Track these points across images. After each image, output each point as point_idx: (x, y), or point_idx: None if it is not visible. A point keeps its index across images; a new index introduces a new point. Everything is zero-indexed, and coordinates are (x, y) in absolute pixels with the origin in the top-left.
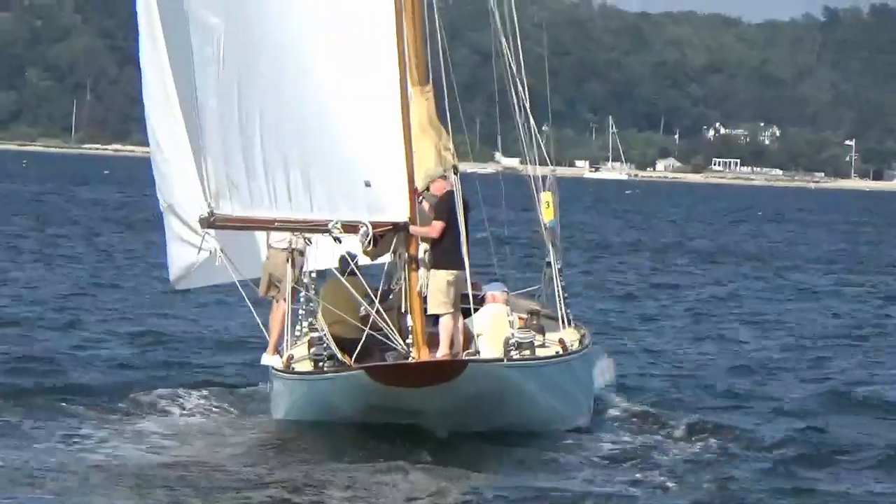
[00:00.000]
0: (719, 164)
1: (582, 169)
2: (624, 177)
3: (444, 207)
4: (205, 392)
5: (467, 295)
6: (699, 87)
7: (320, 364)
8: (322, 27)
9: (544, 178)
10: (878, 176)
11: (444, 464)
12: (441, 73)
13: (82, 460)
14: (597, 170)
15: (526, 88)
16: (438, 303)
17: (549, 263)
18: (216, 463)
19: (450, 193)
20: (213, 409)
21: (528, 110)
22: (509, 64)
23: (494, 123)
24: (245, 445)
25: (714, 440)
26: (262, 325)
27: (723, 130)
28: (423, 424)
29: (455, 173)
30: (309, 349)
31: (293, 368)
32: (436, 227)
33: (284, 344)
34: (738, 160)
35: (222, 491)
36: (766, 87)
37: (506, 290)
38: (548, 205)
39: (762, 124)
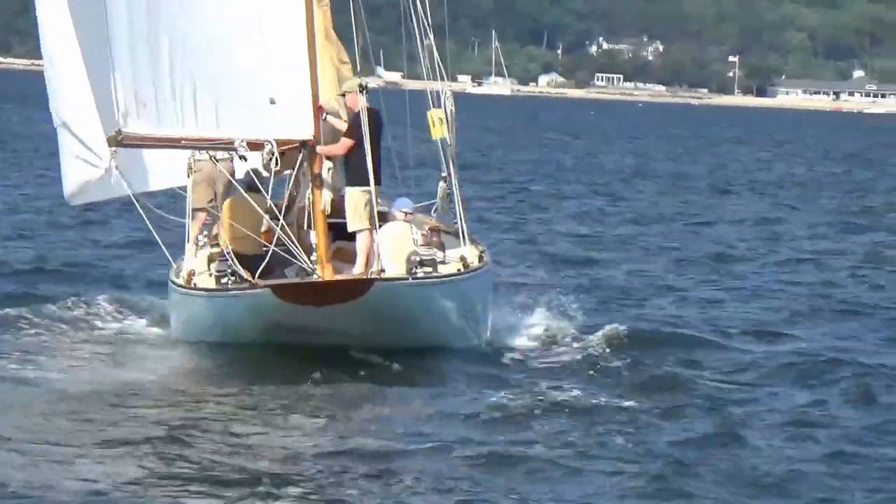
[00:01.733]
0: (602, 80)
1: (465, 84)
2: (507, 91)
3: (356, 124)
4: (102, 308)
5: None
6: (582, 1)
7: (223, 280)
8: None
9: (438, 92)
10: (761, 92)
11: (344, 385)
12: None
13: None
14: (479, 84)
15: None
16: (355, 219)
17: (444, 178)
18: (109, 385)
19: (364, 111)
20: (109, 327)
21: (429, 23)
22: None
23: (373, 37)
24: (145, 367)
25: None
26: (159, 241)
27: (606, 45)
28: (326, 343)
29: (362, 92)
30: (209, 264)
31: (194, 284)
32: (343, 144)
33: (184, 258)
34: (622, 76)
35: (113, 420)
36: (649, 3)
37: (412, 206)
38: (433, 122)
39: (646, 39)
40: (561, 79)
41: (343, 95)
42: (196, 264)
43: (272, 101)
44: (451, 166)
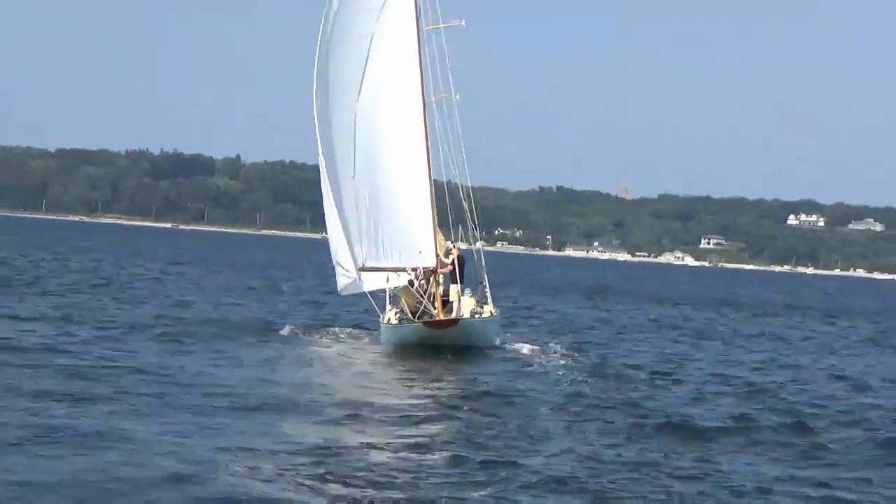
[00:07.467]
0: None
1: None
2: None
3: (454, 260)
4: (345, 333)
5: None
6: None
7: (403, 321)
8: (399, 152)
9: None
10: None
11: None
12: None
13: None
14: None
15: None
16: (453, 297)
17: (481, 283)
18: (338, 380)
19: (457, 257)
20: (346, 341)
21: (476, 223)
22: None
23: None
24: (362, 365)
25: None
26: (376, 308)
27: None
28: (443, 344)
29: (453, 246)
30: (395, 315)
31: (390, 322)
32: (447, 268)
33: (385, 313)
34: None
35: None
36: None
37: (471, 292)
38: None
39: None
40: None
41: (448, 250)
42: (390, 316)
43: (420, 252)
44: (485, 279)
